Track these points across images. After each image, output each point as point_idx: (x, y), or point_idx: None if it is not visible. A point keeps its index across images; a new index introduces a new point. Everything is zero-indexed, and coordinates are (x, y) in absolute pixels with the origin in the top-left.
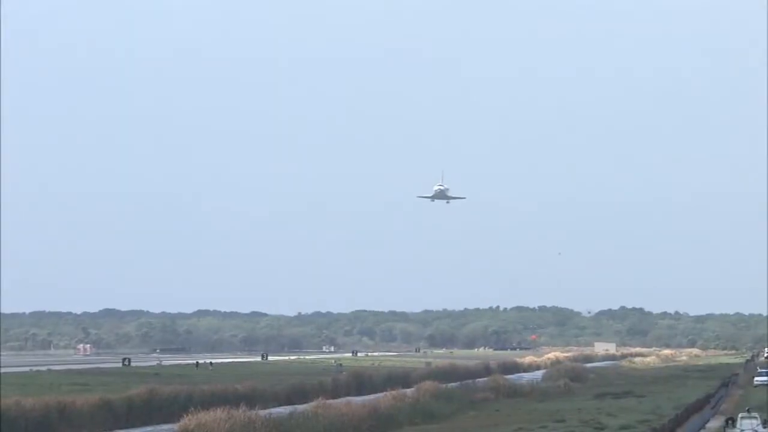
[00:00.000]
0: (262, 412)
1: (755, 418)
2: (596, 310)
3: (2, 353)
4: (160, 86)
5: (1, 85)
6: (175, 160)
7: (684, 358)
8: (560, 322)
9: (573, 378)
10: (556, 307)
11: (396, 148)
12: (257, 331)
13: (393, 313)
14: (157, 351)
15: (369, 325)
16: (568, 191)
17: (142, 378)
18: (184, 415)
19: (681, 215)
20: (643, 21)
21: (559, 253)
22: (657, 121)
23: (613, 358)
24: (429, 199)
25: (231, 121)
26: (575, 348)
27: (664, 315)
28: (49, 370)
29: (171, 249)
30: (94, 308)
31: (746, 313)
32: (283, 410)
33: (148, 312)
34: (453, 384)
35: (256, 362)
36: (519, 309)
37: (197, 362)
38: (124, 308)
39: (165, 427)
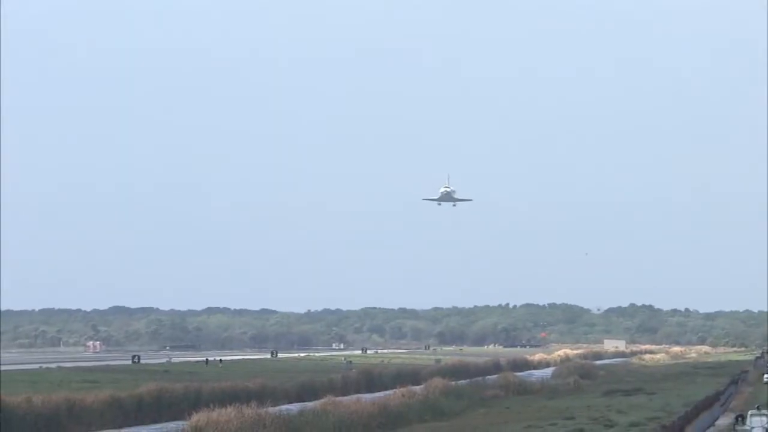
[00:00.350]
0: (272, 410)
1: (765, 415)
2: (606, 308)
3: (13, 351)
4: (170, 83)
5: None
6: (184, 157)
7: (693, 355)
8: (570, 319)
9: (582, 375)
10: (566, 305)
11: (401, 149)
12: (267, 328)
13: (403, 311)
14: (167, 348)
15: (379, 323)
16: (577, 190)
17: (152, 375)
18: (194, 413)
19: (691, 213)
20: (643, 21)
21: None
22: (660, 120)
23: (622, 355)
24: (435, 202)
25: (238, 119)
26: (585, 345)
27: (674, 312)
28: (59, 367)
29: (180, 246)
30: (103, 305)
31: (756, 311)
32: (293, 407)
33: (157, 309)
34: (463, 381)
35: (265, 359)
36: (528, 306)
37: (207, 359)
38: (133, 305)
39: (174, 424)
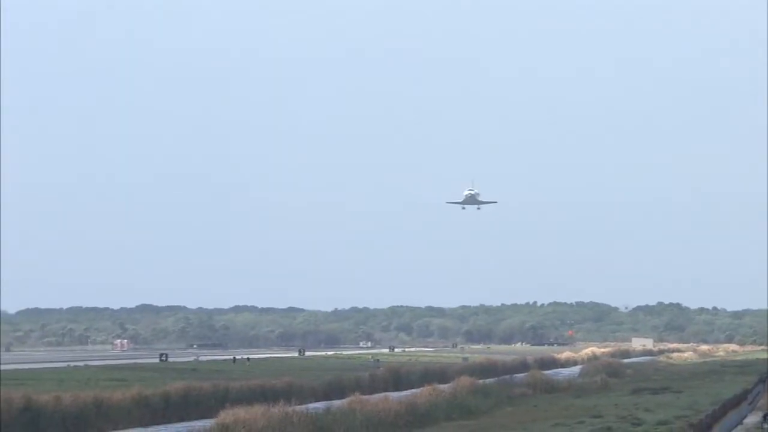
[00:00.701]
0: (299, 408)
1: None
2: (633, 306)
3: (41, 349)
4: (193, 82)
5: None
6: (213, 156)
7: (721, 353)
8: (597, 317)
9: (610, 373)
10: (593, 303)
11: (422, 149)
12: (294, 326)
13: (430, 309)
14: (194, 346)
15: (406, 321)
16: (606, 189)
17: (179, 373)
18: (221, 411)
19: (720, 211)
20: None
21: None
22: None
23: (650, 353)
24: (459, 205)
25: (264, 117)
26: (612, 343)
27: (702, 310)
28: (86, 365)
29: (208, 244)
30: (131, 303)
31: None
32: (320, 406)
33: (185, 307)
34: (490, 380)
35: (293, 358)
36: (556, 304)
37: (234, 358)
38: (161, 304)
39: (202, 422)
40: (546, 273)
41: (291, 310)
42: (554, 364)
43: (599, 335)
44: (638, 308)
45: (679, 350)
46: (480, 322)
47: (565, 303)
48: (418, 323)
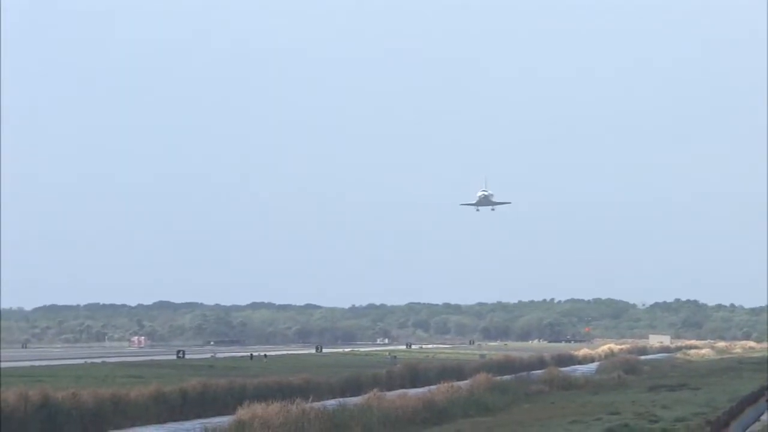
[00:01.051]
0: (317, 405)
1: None
2: (651, 303)
3: (58, 346)
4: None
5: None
6: (230, 152)
7: (738, 350)
8: (615, 314)
9: (627, 370)
10: (611, 300)
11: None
12: (311, 323)
13: (447, 306)
14: (211, 343)
15: (423, 318)
16: (622, 188)
17: (197, 370)
18: (239, 408)
19: (736, 208)
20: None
21: None
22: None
23: (667, 350)
24: (473, 207)
25: (269, 116)
26: (630, 340)
27: (719, 307)
28: (104, 362)
29: (225, 241)
30: (148, 300)
31: None
32: (338, 402)
33: (202, 304)
34: (507, 376)
35: (310, 354)
36: (573, 301)
37: (251, 354)
38: (178, 300)
39: (219, 419)
40: (563, 270)
41: (308, 306)
42: (571, 361)
43: (616, 332)
44: (655, 305)
45: (696, 347)
46: (497, 319)
47: (582, 300)
48: (435, 320)
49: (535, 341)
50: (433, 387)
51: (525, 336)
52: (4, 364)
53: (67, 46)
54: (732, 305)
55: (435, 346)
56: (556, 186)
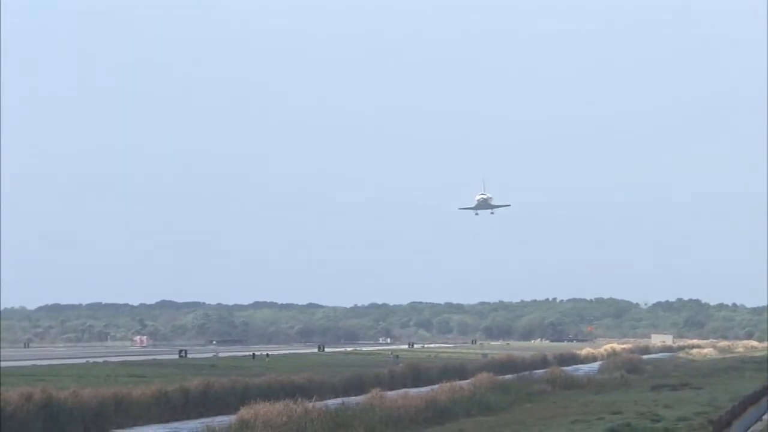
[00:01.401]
0: (319, 404)
1: None
2: (653, 302)
3: (61, 345)
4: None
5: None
6: (228, 150)
7: (741, 349)
8: (617, 313)
9: (630, 370)
10: (613, 299)
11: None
12: (314, 322)
13: (449, 305)
14: (214, 342)
15: (425, 317)
16: (623, 188)
17: (199, 369)
18: (241, 407)
19: (737, 207)
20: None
21: None
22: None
23: (669, 349)
24: (473, 211)
25: (277, 117)
26: (632, 340)
27: (721, 307)
28: (106, 361)
29: (227, 241)
30: (150, 300)
31: None
32: (340, 402)
33: (204, 303)
34: (509, 376)
35: (312, 354)
36: (575, 301)
37: (254, 354)
38: (180, 300)
39: (222, 418)
40: (565, 269)
41: (310, 306)
42: (574, 360)
43: (619, 331)
44: (658, 304)
45: (698, 346)
46: (499, 319)
47: (585, 299)
48: (438, 319)
49: (538, 341)
50: (435, 386)
51: (527, 335)
52: (6, 364)
53: (66, 46)
54: (734, 305)
55: (437, 345)
56: (557, 186)
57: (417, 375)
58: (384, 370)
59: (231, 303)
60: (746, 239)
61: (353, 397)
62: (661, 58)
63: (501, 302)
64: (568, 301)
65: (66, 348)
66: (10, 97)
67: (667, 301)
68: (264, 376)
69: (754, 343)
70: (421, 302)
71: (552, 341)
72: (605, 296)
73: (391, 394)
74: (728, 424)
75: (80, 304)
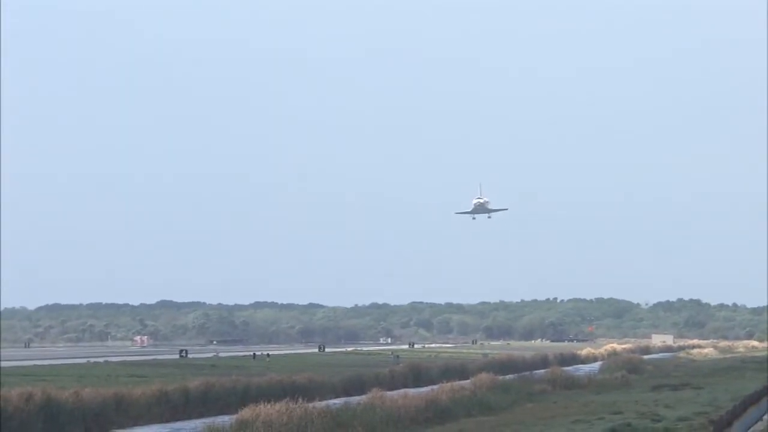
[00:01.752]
0: (319, 404)
1: None
2: (653, 302)
3: (61, 345)
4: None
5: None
6: (228, 150)
7: (741, 349)
8: (617, 313)
9: (630, 370)
10: (613, 299)
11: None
12: (314, 322)
13: (449, 305)
14: (214, 342)
15: (426, 317)
16: (623, 188)
17: (199, 369)
18: (241, 407)
19: (737, 206)
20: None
21: None
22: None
23: (670, 349)
24: (469, 215)
25: (278, 116)
26: (632, 340)
27: (722, 307)
28: (106, 361)
29: (228, 241)
30: (151, 300)
31: None
32: (340, 402)
33: (205, 303)
34: (510, 376)
35: (313, 354)
36: (576, 301)
37: (254, 354)
38: (181, 300)
39: (222, 418)
40: (566, 269)
41: (311, 306)
42: (574, 360)
43: (619, 331)
44: (658, 304)
45: (699, 346)
46: (500, 319)
47: (585, 299)
48: (438, 319)
49: (538, 341)
50: (435, 386)
51: (528, 335)
52: (6, 364)
53: (66, 46)
54: (734, 305)
55: (438, 345)
56: (557, 186)
57: (417, 375)
58: (384, 370)
59: (231, 303)
60: (746, 239)
61: (354, 397)
62: (661, 58)
63: (501, 302)
64: (569, 301)
65: (66, 348)
66: (10, 97)
67: (667, 301)
68: (264, 376)
69: (755, 343)
70: (421, 302)
71: (552, 341)
72: (606, 296)
73: (391, 394)
74: (729, 424)
75: (81, 304)
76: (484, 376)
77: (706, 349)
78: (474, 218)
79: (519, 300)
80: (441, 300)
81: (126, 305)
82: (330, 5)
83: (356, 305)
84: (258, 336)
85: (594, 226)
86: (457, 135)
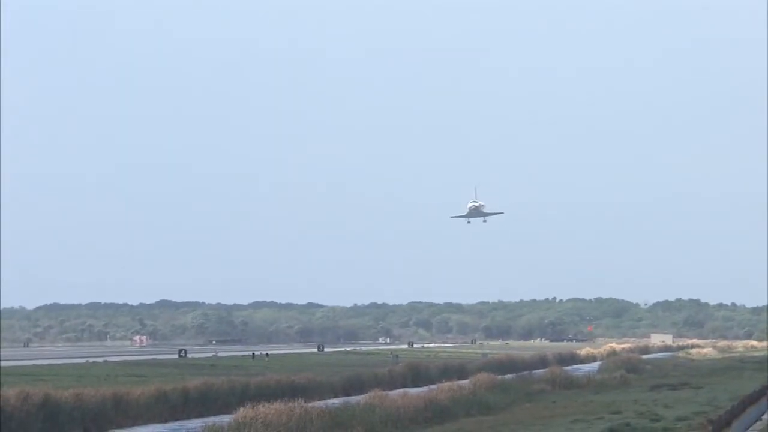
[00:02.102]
0: (319, 404)
1: None
2: (652, 302)
3: (60, 345)
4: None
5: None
6: (230, 153)
7: (740, 349)
8: (616, 313)
9: (629, 369)
10: (613, 299)
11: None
12: (313, 322)
13: (449, 305)
14: (213, 342)
15: (425, 317)
16: (624, 187)
17: (198, 369)
18: (240, 407)
19: (737, 206)
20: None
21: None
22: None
23: (669, 349)
24: (464, 219)
25: (278, 116)
26: (632, 339)
27: (720, 306)
28: (105, 361)
29: (227, 240)
30: (150, 299)
31: None
32: (340, 401)
33: (203, 303)
34: (509, 375)
35: (312, 353)
36: (575, 300)
37: (253, 353)
38: (179, 299)
39: (221, 418)
40: (565, 269)
41: (310, 305)
42: (573, 360)
43: (618, 331)
44: (657, 304)
45: (698, 346)
46: (499, 318)
47: (584, 299)
48: (437, 319)
49: (537, 340)
50: (435, 386)
51: (527, 335)
52: (5, 363)
53: (66, 45)
54: (733, 304)
55: (437, 345)
56: (557, 185)
57: (416, 375)
58: (384, 369)
59: (230, 302)
60: (746, 239)
61: (353, 397)
62: (661, 58)
63: (500, 302)
64: (568, 300)
65: (65, 348)
66: (10, 97)
67: (666, 301)
68: (263, 376)
69: (754, 342)
70: (420, 302)
71: (551, 341)
72: (605, 296)
73: (390, 393)
74: (728, 423)
75: (80, 304)
76: (483, 376)
77: (705, 349)
78: (469, 222)
79: (518, 300)
80: (440, 300)
81: (125, 305)
82: (330, 5)
83: (355, 305)
84: (257, 336)
85: (593, 226)
86: (457, 135)
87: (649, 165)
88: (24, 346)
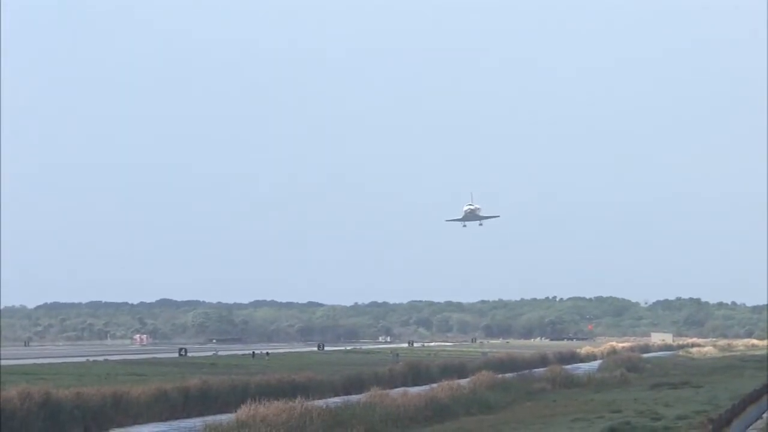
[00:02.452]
0: (319, 402)
1: None
2: (653, 301)
3: (61, 344)
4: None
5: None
6: (230, 152)
7: (741, 348)
8: (617, 312)
9: (629, 368)
10: (613, 298)
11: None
12: (313, 321)
13: (449, 304)
14: (213, 341)
15: (425, 316)
16: (625, 186)
17: (199, 368)
18: (241, 406)
19: (737, 206)
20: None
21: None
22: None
23: (669, 348)
24: (460, 223)
25: (277, 116)
26: (632, 338)
27: (721, 305)
28: (106, 360)
29: (227, 239)
30: (150, 298)
31: None
32: (340, 400)
33: (204, 302)
34: (510, 374)
35: (312, 352)
36: (575, 299)
37: (253, 352)
38: (180, 298)
39: (221, 417)
40: (565, 268)
41: (310, 304)
42: (573, 358)
43: (618, 330)
44: (657, 303)
45: (698, 345)
46: (499, 317)
47: (585, 298)
48: (438, 318)
49: (538, 339)
50: (435, 385)
51: (527, 334)
52: (6, 362)
53: (66, 45)
54: (734, 303)
55: (437, 343)
56: (557, 185)
57: (417, 373)
58: (384, 368)
59: (231, 301)
60: (746, 239)
61: (353, 396)
62: (661, 58)
63: (501, 300)
64: (568, 299)
65: (66, 346)
66: (10, 97)
67: (666, 300)
68: (264, 375)
69: (754, 341)
70: (420, 301)
71: (552, 340)
72: (605, 295)
73: (391, 392)
74: (728, 422)
75: (80, 303)
76: (483, 375)
77: (705, 348)
78: (465, 225)
79: (518, 298)
80: (440, 298)
81: (125, 304)
82: (330, 5)
83: (356, 304)
84: (257, 334)
85: (594, 225)
86: (457, 135)
87: (649, 165)
88: (24, 345)
